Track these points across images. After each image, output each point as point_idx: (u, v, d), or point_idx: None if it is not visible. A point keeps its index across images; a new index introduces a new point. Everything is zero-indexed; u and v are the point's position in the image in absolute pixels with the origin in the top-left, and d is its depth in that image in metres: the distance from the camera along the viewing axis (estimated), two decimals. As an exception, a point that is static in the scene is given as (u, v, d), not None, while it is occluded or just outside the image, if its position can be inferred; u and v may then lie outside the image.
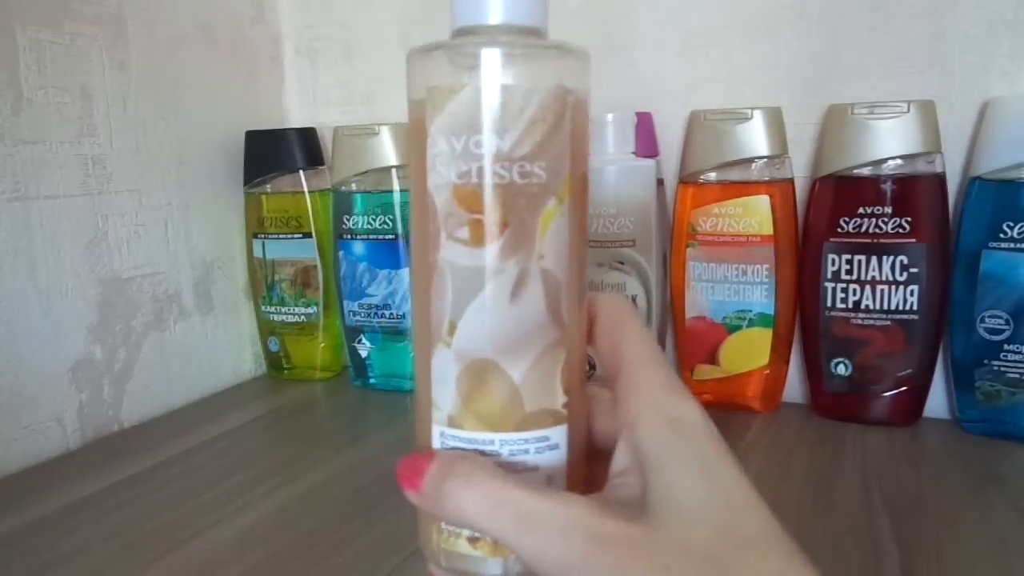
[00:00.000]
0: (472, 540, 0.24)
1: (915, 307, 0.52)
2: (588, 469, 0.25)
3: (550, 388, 0.23)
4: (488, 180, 0.22)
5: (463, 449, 0.23)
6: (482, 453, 0.23)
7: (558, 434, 0.24)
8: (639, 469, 0.22)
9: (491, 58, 0.22)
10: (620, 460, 0.23)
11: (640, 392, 0.23)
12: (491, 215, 0.22)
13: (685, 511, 0.20)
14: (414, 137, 0.23)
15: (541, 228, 0.22)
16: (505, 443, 0.23)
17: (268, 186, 0.67)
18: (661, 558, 0.19)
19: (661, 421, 0.22)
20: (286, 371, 0.70)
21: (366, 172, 0.63)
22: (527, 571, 0.23)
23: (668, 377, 0.23)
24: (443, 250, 0.22)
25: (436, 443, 0.24)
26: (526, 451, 0.23)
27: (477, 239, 0.22)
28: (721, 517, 0.20)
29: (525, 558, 0.21)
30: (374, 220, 0.64)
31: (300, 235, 0.67)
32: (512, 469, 0.23)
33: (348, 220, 0.64)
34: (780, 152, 0.55)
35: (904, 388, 0.54)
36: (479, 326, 0.23)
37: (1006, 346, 0.50)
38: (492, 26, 0.23)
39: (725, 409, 0.57)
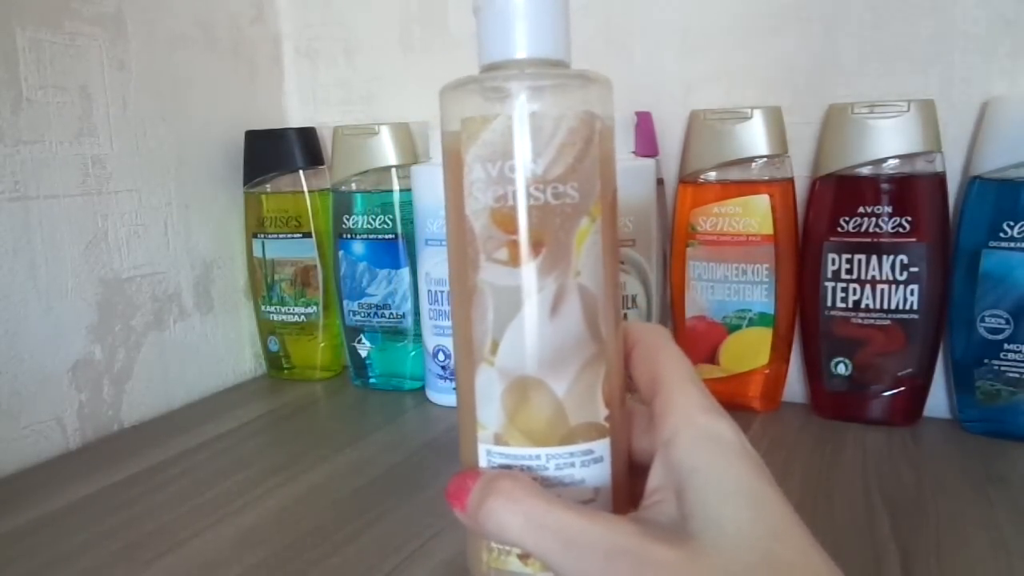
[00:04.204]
0: (523, 557, 0.24)
1: (915, 306, 0.52)
2: (631, 482, 0.25)
3: (592, 401, 0.24)
4: (523, 202, 0.23)
5: (509, 466, 0.24)
6: (529, 468, 0.24)
7: (602, 447, 0.24)
8: (676, 489, 0.22)
9: (521, 89, 0.23)
10: (656, 478, 0.23)
11: (676, 411, 0.23)
12: (527, 235, 0.23)
13: (728, 537, 0.20)
14: (449, 166, 0.24)
15: (576, 246, 0.23)
16: (552, 457, 0.24)
17: (268, 186, 0.67)
18: None
19: (698, 440, 0.22)
20: (286, 371, 0.70)
21: (366, 172, 0.63)
22: None
23: (704, 397, 0.23)
24: (483, 271, 0.23)
25: (483, 461, 0.25)
26: (572, 464, 0.24)
27: (515, 259, 0.23)
28: (763, 543, 0.20)
29: None
30: (374, 220, 0.64)
31: (300, 235, 0.67)
32: (559, 483, 0.24)
33: (348, 220, 0.64)
34: (780, 152, 0.55)
35: (904, 388, 0.54)
36: (521, 343, 0.23)
37: (1006, 345, 0.50)
38: (519, 60, 0.24)
39: (725, 409, 0.57)
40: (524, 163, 0.23)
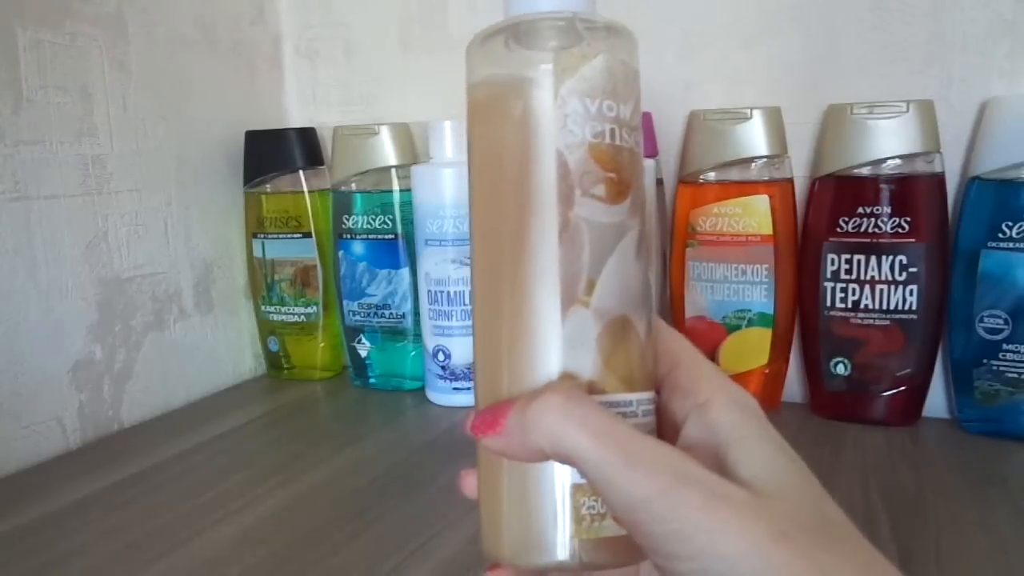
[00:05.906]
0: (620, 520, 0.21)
1: (914, 307, 0.52)
2: None
3: (653, 346, 0.24)
4: (619, 142, 0.23)
5: None
6: (624, 416, 0.22)
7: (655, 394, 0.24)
8: (714, 444, 0.22)
9: (613, 33, 0.24)
10: (690, 435, 0.23)
11: (708, 379, 0.24)
12: (623, 174, 0.23)
13: (787, 490, 0.20)
14: (512, 101, 0.23)
15: (645, 193, 0.24)
16: (640, 403, 0.23)
17: (268, 186, 0.67)
18: (780, 524, 0.19)
19: (736, 404, 0.23)
20: (286, 371, 0.70)
21: (366, 172, 0.63)
22: None
23: (721, 371, 0.24)
24: (578, 207, 0.22)
25: None
26: (651, 411, 0.23)
27: (613, 196, 0.23)
28: (816, 505, 0.21)
29: (624, 501, 0.19)
30: (374, 220, 0.64)
31: (300, 235, 0.67)
32: (647, 431, 0.22)
33: (348, 220, 0.64)
34: (779, 152, 0.55)
35: (903, 388, 0.54)
36: (617, 282, 0.23)
37: (1005, 346, 0.50)
38: (557, 11, 0.24)
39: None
40: (618, 105, 0.23)
